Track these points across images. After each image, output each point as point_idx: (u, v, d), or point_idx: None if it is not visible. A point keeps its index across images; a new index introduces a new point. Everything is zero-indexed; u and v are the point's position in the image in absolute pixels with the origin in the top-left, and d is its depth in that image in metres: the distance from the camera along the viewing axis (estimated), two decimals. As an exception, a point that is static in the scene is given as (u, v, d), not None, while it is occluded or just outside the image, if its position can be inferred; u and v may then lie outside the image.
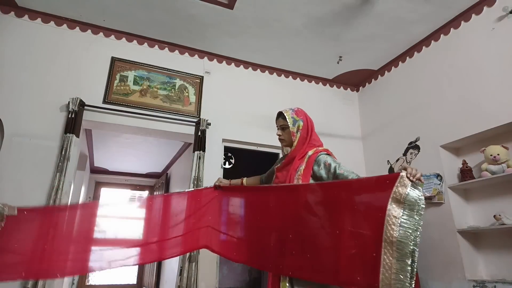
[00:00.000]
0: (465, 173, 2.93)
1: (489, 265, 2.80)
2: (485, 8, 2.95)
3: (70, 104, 2.97)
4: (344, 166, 1.66)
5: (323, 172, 1.69)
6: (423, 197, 1.30)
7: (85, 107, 3.07)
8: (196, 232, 2.05)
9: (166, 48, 3.68)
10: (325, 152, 1.78)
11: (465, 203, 3.04)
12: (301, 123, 1.84)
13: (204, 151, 3.32)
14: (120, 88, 3.34)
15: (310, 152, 1.77)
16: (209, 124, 3.47)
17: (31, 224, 1.84)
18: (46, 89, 3.06)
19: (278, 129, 1.90)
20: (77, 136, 2.97)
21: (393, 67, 3.95)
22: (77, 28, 3.36)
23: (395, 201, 1.31)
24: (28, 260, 1.80)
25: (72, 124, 2.92)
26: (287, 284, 1.55)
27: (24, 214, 1.78)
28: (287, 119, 1.83)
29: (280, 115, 1.89)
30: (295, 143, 1.82)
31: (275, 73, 4.14)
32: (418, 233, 1.26)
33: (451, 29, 3.24)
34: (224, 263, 5.08)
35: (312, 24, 3.34)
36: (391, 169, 3.72)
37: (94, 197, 7.41)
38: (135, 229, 2.05)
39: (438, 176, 3.10)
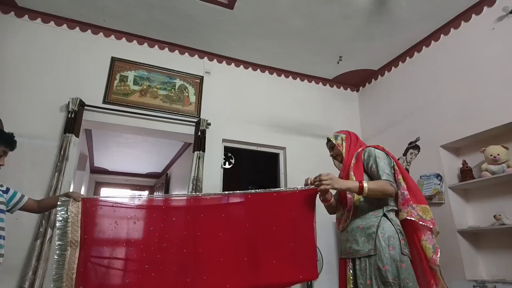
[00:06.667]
0: (465, 173, 2.92)
1: (489, 265, 2.80)
2: (485, 8, 2.95)
3: (70, 104, 2.97)
4: (383, 167, 1.82)
5: (370, 160, 1.89)
6: None
7: (85, 107, 3.07)
8: None
9: (166, 48, 3.68)
10: (374, 147, 1.96)
11: (465, 203, 3.04)
12: (344, 136, 2.08)
13: (204, 151, 3.32)
14: (120, 88, 3.34)
15: (358, 150, 1.98)
16: (209, 124, 3.47)
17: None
18: (46, 89, 3.06)
19: (329, 151, 2.13)
20: (77, 136, 2.97)
21: (393, 67, 3.95)
22: (77, 28, 3.36)
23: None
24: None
25: (72, 124, 2.92)
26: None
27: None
28: (331, 139, 2.08)
29: (327, 140, 2.12)
30: (344, 152, 2.01)
31: (275, 73, 4.14)
32: None
33: (451, 29, 3.24)
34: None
35: (312, 24, 3.34)
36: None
37: (94, 197, 7.38)
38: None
39: (438, 176, 3.10)
